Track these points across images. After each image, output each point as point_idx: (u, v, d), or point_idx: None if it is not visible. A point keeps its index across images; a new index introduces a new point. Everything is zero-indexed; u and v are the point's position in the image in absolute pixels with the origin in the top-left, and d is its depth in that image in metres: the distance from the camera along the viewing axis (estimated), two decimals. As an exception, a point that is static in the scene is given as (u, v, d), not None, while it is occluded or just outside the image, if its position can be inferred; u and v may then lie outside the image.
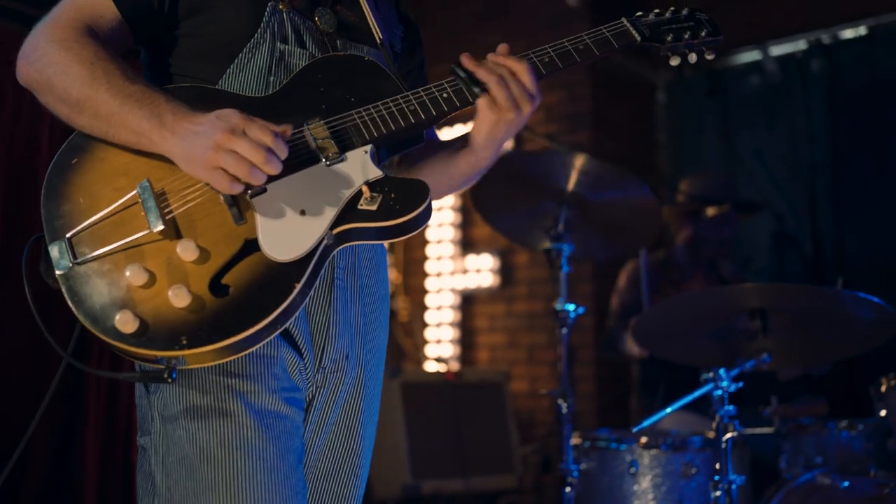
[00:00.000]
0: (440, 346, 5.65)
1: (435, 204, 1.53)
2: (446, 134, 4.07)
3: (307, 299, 1.45)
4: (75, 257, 1.39)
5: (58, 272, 1.39)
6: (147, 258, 1.40)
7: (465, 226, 5.69)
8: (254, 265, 1.41)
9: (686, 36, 1.67)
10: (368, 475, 1.75)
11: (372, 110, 1.54)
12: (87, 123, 1.47)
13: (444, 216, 5.67)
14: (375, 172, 1.49)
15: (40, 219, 1.44)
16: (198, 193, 1.45)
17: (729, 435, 2.46)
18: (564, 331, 3.14)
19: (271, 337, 1.41)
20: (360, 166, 1.49)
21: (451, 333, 5.63)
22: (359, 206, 1.47)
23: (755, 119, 5.06)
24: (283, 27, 1.61)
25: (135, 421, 1.60)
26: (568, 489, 2.93)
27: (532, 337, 5.30)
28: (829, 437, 2.81)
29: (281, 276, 1.40)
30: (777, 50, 5.01)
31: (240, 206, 1.44)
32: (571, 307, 3.12)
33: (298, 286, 1.40)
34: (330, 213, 1.45)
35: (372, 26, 1.69)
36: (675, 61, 1.71)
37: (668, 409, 2.48)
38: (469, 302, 5.62)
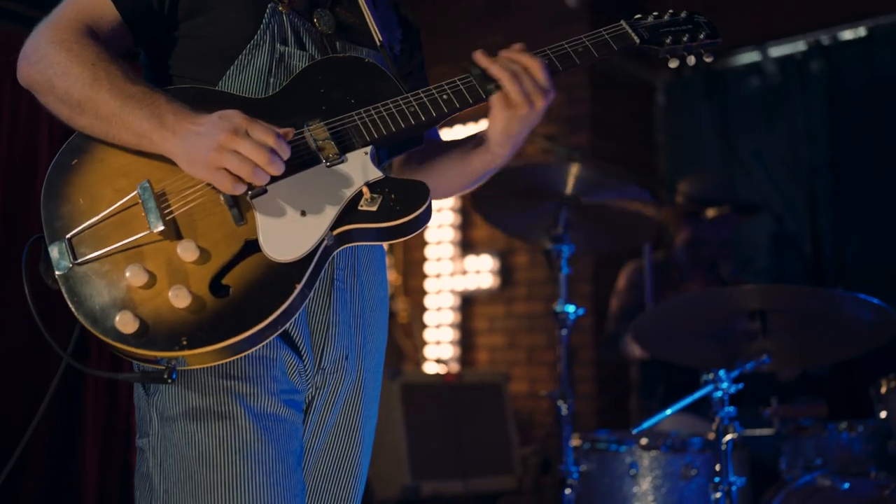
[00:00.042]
0: (440, 348, 5.65)
1: (434, 205, 1.53)
2: (445, 135, 4.06)
3: (307, 300, 1.45)
4: (75, 258, 1.39)
5: (57, 273, 1.38)
6: (147, 259, 1.40)
7: (464, 227, 5.69)
8: (254, 266, 1.41)
9: (685, 38, 1.68)
10: (368, 476, 1.75)
11: (372, 112, 1.54)
12: (88, 124, 1.47)
13: (443, 217, 5.67)
14: (375, 173, 1.49)
15: (40, 219, 1.43)
16: (198, 194, 1.45)
17: (729, 436, 2.46)
18: (564, 332, 3.14)
19: (272, 338, 1.41)
20: (360, 167, 1.49)
21: (451, 335, 5.63)
22: (359, 207, 1.47)
23: (754, 120, 5.06)
24: (283, 29, 1.61)
25: (133, 422, 1.60)
26: (568, 490, 2.92)
27: (531, 338, 5.30)
28: (829, 439, 2.81)
29: (281, 277, 1.40)
30: (776, 51, 5.01)
31: (240, 206, 1.44)
32: (571, 308, 3.12)
33: (299, 286, 1.40)
34: (330, 214, 1.45)
35: (371, 28, 1.69)
36: (673, 64, 1.72)
37: (668, 411, 2.48)
38: (468, 303, 5.62)
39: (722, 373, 2.48)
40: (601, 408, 5.00)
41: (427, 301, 5.74)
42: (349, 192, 1.47)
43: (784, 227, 4.66)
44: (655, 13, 1.70)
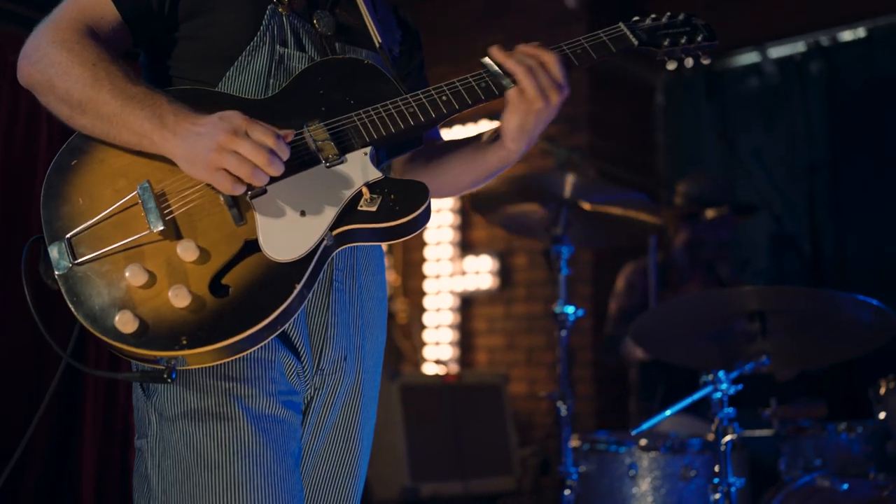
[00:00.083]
0: (439, 348, 5.65)
1: (433, 206, 1.54)
2: (444, 135, 4.05)
3: (306, 301, 1.45)
4: (75, 258, 1.39)
5: (57, 273, 1.38)
6: (147, 258, 1.40)
7: (463, 228, 5.69)
8: (254, 266, 1.41)
9: (682, 41, 1.69)
10: (367, 477, 1.75)
11: (371, 112, 1.55)
12: (89, 124, 1.47)
13: (442, 218, 5.67)
14: (375, 174, 1.50)
15: (39, 220, 1.44)
16: (198, 194, 1.45)
17: (728, 437, 2.45)
18: (563, 333, 3.14)
19: (271, 338, 1.41)
20: (359, 168, 1.50)
21: (450, 335, 5.63)
22: (359, 208, 1.47)
23: (754, 120, 5.06)
24: (283, 30, 1.61)
25: (132, 422, 1.60)
26: (567, 491, 2.92)
27: (531, 339, 5.30)
28: (828, 440, 2.81)
29: (281, 277, 1.40)
30: (776, 52, 5.01)
31: (240, 207, 1.44)
32: (571, 309, 3.13)
33: (298, 286, 1.40)
34: (330, 214, 1.46)
35: (370, 30, 1.70)
36: (671, 66, 1.73)
37: (668, 412, 2.48)
38: (468, 304, 5.62)
39: (721, 374, 2.48)
40: (600, 409, 5.00)
41: (426, 302, 5.74)
42: (349, 193, 1.47)
43: (783, 227, 4.66)
44: (653, 15, 1.71)
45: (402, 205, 1.47)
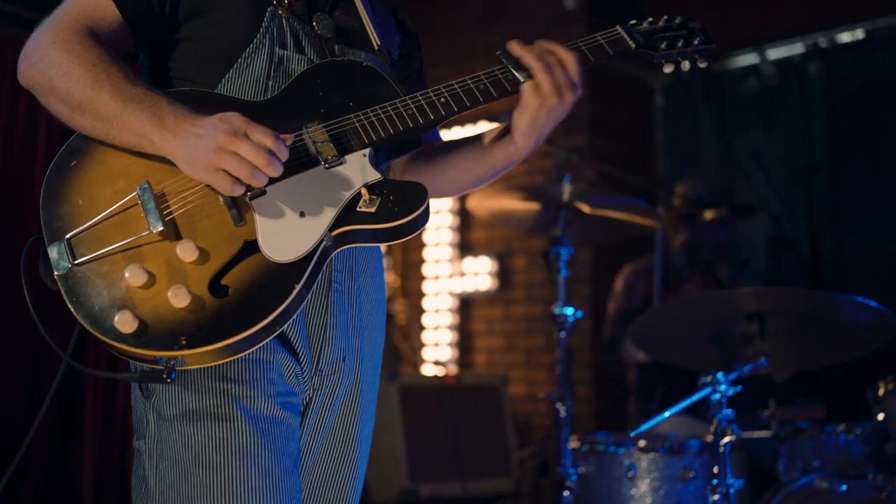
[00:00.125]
0: (438, 350, 5.65)
1: (432, 207, 1.54)
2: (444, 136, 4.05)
3: (305, 302, 1.45)
4: (74, 258, 1.39)
5: (56, 273, 1.39)
6: (146, 259, 1.40)
7: (463, 229, 5.69)
8: (253, 266, 1.42)
9: (679, 44, 1.70)
10: (366, 478, 1.75)
11: (370, 114, 1.55)
12: (89, 125, 1.48)
13: (441, 219, 5.67)
14: (374, 175, 1.50)
15: (39, 220, 1.44)
16: (197, 195, 1.45)
17: (727, 439, 2.46)
18: (562, 334, 3.14)
19: (270, 338, 1.41)
20: (358, 169, 1.50)
21: (449, 337, 5.63)
22: (358, 209, 1.48)
23: (752, 122, 5.07)
24: (283, 32, 1.61)
25: (131, 422, 1.60)
26: (566, 493, 2.93)
27: (530, 340, 5.30)
28: (826, 441, 2.81)
29: (280, 277, 1.41)
30: (774, 53, 5.01)
31: (239, 208, 1.44)
32: (570, 311, 3.13)
33: (298, 287, 1.40)
34: (329, 215, 1.46)
35: (369, 32, 1.71)
36: (668, 69, 1.74)
37: (667, 413, 2.48)
38: (467, 305, 5.62)
39: (720, 375, 2.48)
40: (599, 410, 5.00)
41: (425, 303, 5.74)
42: (348, 194, 1.48)
43: (782, 229, 4.67)
44: (650, 19, 1.72)
45: (400, 206, 1.48)
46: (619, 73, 5.24)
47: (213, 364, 1.41)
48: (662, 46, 1.69)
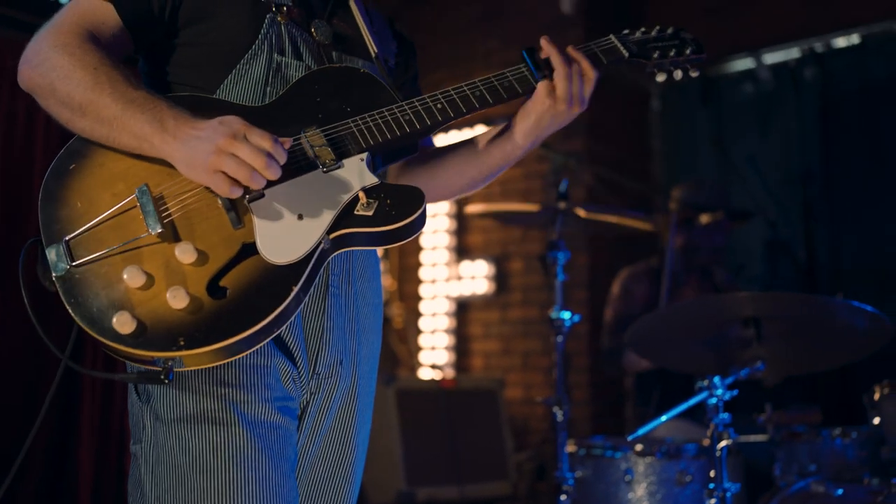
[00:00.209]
0: (434, 353, 5.65)
1: (429, 210, 1.55)
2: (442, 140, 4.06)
3: (302, 304, 1.46)
4: (73, 260, 1.40)
5: (55, 274, 1.39)
6: (145, 260, 1.41)
7: (459, 232, 5.70)
8: (251, 268, 1.42)
9: (671, 53, 1.73)
10: (363, 482, 1.75)
11: (368, 119, 1.57)
12: (89, 127, 1.48)
13: (438, 223, 5.68)
14: (371, 179, 1.51)
15: (37, 223, 1.44)
16: (196, 198, 1.46)
17: (723, 443, 2.46)
18: (560, 338, 3.15)
19: (268, 340, 1.42)
20: (356, 173, 1.51)
21: (446, 340, 5.63)
22: (355, 212, 1.49)
23: (748, 126, 5.08)
24: (281, 39, 1.62)
25: (128, 425, 1.60)
26: (563, 497, 2.93)
27: (526, 344, 5.31)
28: (822, 445, 2.82)
29: (278, 279, 1.41)
30: (770, 58, 5.03)
31: (238, 210, 1.45)
32: (567, 315, 3.13)
33: (296, 289, 1.41)
34: (327, 218, 1.47)
35: (366, 40, 1.72)
36: (660, 77, 1.78)
37: (663, 417, 2.49)
38: (463, 309, 5.62)
39: (716, 379, 2.49)
40: (596, 414, 5.00)
41: (422, 306, 5.74)
42: (346, 197, 1.49)
43: (778, 233, 4.67)
44: (643, 28, 1.75)
45: (398, 209, 1.49)
46: (616, 78, 5.25)
47: (211, 365, 1.41)
48: (655, 55, 1.73)
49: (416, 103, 1.59)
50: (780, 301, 2.78)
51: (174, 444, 1.48)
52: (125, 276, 1.37)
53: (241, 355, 1.41)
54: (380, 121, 1.56)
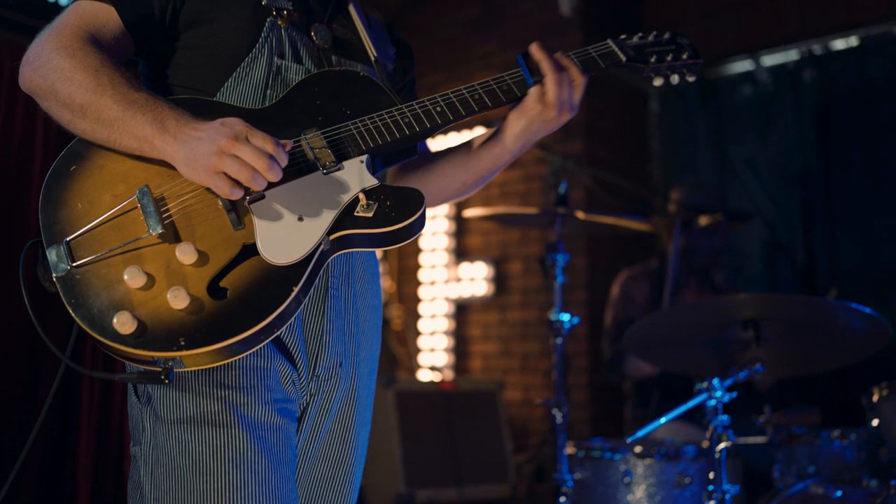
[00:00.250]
0: (434, 355, 5.65)
1: (428, 213, 1.56)
2: (440, 143, 4.06)
3: (302, 305, 1.46)
4: (73, 261, 1.40)
5: (55, 275, 1.39)
6: (146, 261, 1.41)
7: (458, 234, 5.70)
8: (252, 269, 1.43)
9: (668, 58, 1.75)
10: (362, 484, 1.75)
11: (367, 122, 1.58)
12: (90, 129, 1.49)
13: (437, 225, 5.68)
14: (371, 181, 1.52)
15: (37, 224, 1.44)
16: (196, 199, 1.46)
17: (723, 444, 2.46)
18: (559, 340, 3.15)
19: (268, 340, 1.42)
20: (356, 175, 1.52)
21: (445, 342, 5.64)
22: (355, 213, 1.49)
23: (747, 128, 5.08)
24: (281, 42, 1.63)
25: (127, 427, 1.60)
26: (562, 499, 2.93)
27: (525, 346, 5.31)
28: (821, 447, 2.82)
29: (279, 280, 1.42)
30: (769, 60, 5.04)
31: (238, 211, 1.45)
32: (566, 317, 3.13)
33: (296, 289, 1.41)
34: (327, 219, 1.47)
35: (366, 44, 1.74)
36: (657, 82, 1.80)
37: (663, 419, 2.49)
38: (463, 311, 5.63)
39: (716, 381, 2.49)
40: (595, 416, 5.01)
41: (421, 308, 5.74)
42: (346, 199, 1.49)
43: (776, 235, 4.68)
44: (640, 34, 1.77)
45: (397, 211, 1.49)
46: (615, 80, 5.25)
47: (211, 366, 1.42)
48: (652, 60, 1.75)
49: (416, 106, 1.60)
50: (780, 303, 2.79)
51: (174, 445, 1.48)
52: (126, 277, 1.38)
53: (241, 356, 1.41)
54: (379, 123, 1.57)
